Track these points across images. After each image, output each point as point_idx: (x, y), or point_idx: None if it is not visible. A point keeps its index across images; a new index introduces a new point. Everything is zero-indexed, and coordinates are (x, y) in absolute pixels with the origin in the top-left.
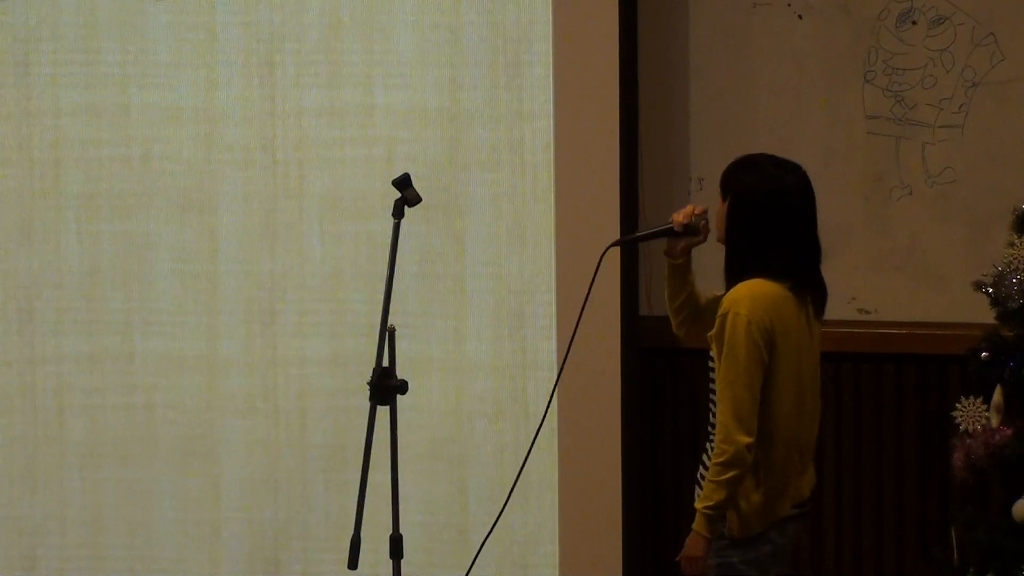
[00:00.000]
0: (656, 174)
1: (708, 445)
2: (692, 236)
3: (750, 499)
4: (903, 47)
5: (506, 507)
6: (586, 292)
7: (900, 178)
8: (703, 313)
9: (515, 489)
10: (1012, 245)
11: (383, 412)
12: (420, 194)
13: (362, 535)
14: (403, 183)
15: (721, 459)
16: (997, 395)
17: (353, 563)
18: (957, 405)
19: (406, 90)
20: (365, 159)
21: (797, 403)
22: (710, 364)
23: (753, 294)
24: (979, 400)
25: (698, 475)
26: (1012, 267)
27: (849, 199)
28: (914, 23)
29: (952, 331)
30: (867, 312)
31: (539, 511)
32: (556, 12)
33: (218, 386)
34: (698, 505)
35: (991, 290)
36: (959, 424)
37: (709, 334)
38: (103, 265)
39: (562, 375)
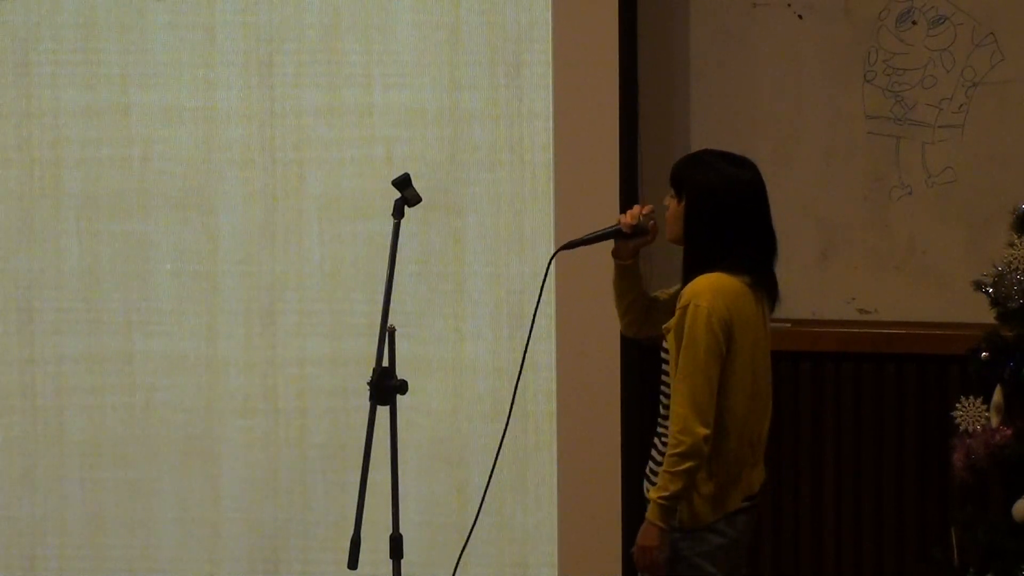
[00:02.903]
0: (656, 174)
1: (656, 440)
2: (641, 236)
3: (701, 490)
4: (903, 47)
5: (483, 506)
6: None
7: (900, 178)
8: (652, 313)
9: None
10: (1012, 245)
11: (383, 412)
12: (420, 194)
13: (362, 535)
14: (403, 183)
15: (678, 450)
16: (997, 395)
17: (353, 563)
18: (957, 405)
19: (405, 90)
20: (364, 159)
21: (752, 397)
22: (663, 356)
23: (713, 287)
24: (979, 400)
25: (647, 469)
26: (1012, 267)
27: (849, 199)
28: (914, 23)
29: (952, 331)
30: (867, 312)
31: (539, 511)
32: (556, 12)
33: (218, 386)
34: (652, 495)
35: (991, 290)
36: (959, 424)
37: (665, 325)
38: (103, 265)
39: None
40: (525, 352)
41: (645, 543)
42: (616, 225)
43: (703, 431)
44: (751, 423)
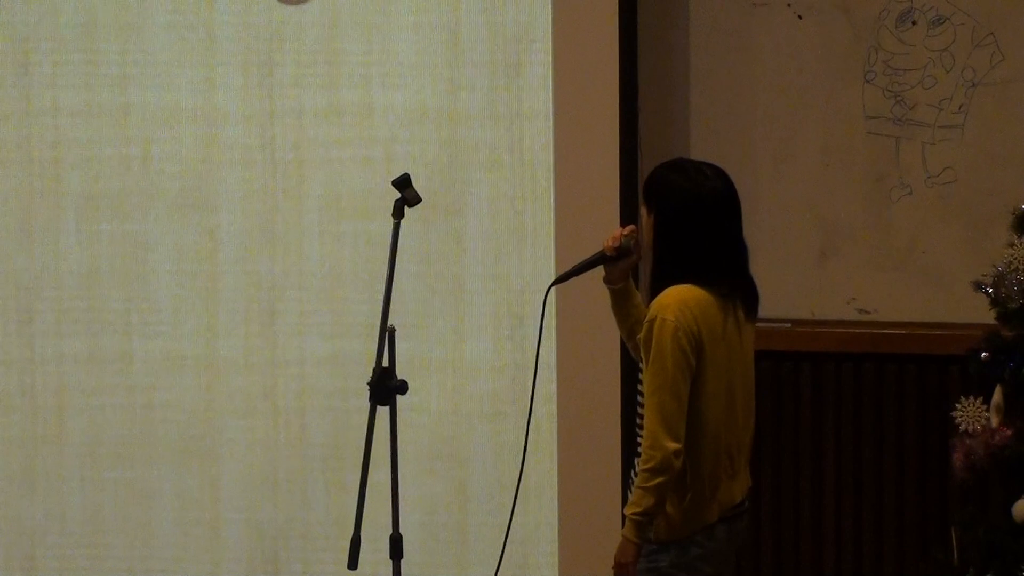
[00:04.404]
0: None
1: (638, 451)
2: (626, 257)
3: (677, 503)
4: (903, 47)
5: (511, 508)
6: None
7: (900, 178)
8: None
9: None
10: (1012, 245)
11: (383, 412)
12: (420, 194)
13: (362, 535)
14: (403, 183)
15: (648, 465)
16: (997, 395)
17: (353, 563)
18: (957, 405)
19: (405, 90)
20: (365, 159)
21: (727, 408)
22: (640, 366)
23: (680, 300)
24: (979, 400)
25: (629, 482)
26: (1012, 267)
27: (849, 199)
28: (914, 23)
29: (952, 331)
30: (867, 312)
31: (539, 511)
32: (556, 12)
33: (218, 386)
34: (627, 511)
35: (991, 290)
36: (959, 424)
37: (638, 337)
38: (103, 265)
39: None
40: (534, 373)
41: (621, 559)
42: (601, 251)
43: (673, 445)
44: (728, 435)
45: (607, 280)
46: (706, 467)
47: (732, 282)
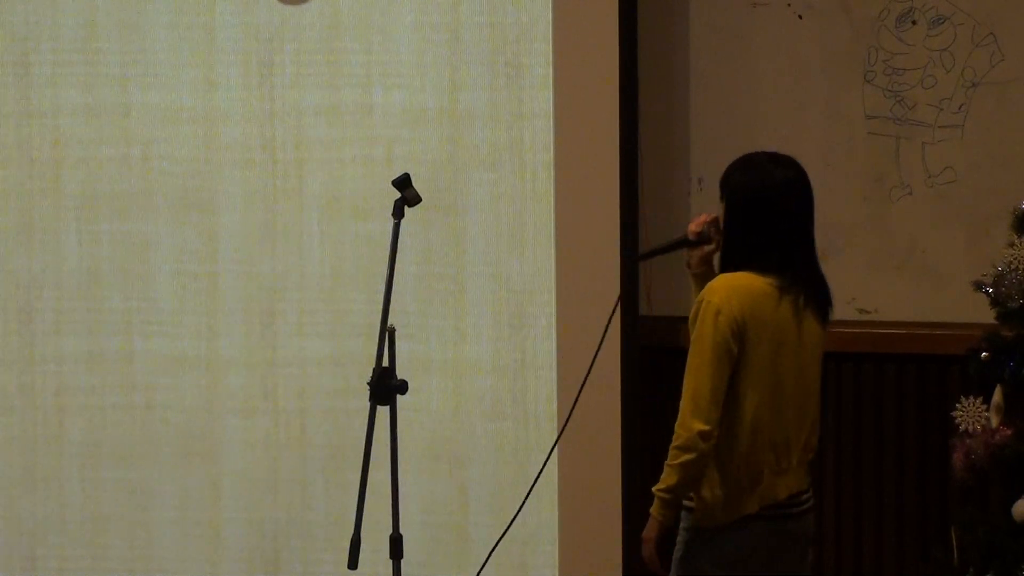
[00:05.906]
0: (656, 174)
1: None
2: (705, 244)
3: (713, 490)
4: (903, 47)
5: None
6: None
7: (900, 178)
8: None
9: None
10: (1012, 245)
11: (383, 412)
12: (420, 194)
13: (362, 535)
14: (403, 183)
15: (676, 443)
16: (997, 395)
17: (353, 563)
18: (957, 405)
19: (406, 90)
20: (365, 159)
21: (772, 399)
22: None
23: (729, 285)
24: (979, 400)
25: None
26: (1012, 267)
27: (849, 199)
28: (914, 23)
29: (952, 331)
30: (867, 312)
31: (539, 511)
32: (556, 12)
33: (218, 386)
34: (653, 488)
35: (991, 290)
36: (959, 424)
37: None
38: (103, 265)
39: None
40: (598, 346)
41: (644, 535)
42: (683, 235)
43: (700, 426)
44: (772, 427)
45: (688, 265)
46: (743, 457)
47: (793, 274)
